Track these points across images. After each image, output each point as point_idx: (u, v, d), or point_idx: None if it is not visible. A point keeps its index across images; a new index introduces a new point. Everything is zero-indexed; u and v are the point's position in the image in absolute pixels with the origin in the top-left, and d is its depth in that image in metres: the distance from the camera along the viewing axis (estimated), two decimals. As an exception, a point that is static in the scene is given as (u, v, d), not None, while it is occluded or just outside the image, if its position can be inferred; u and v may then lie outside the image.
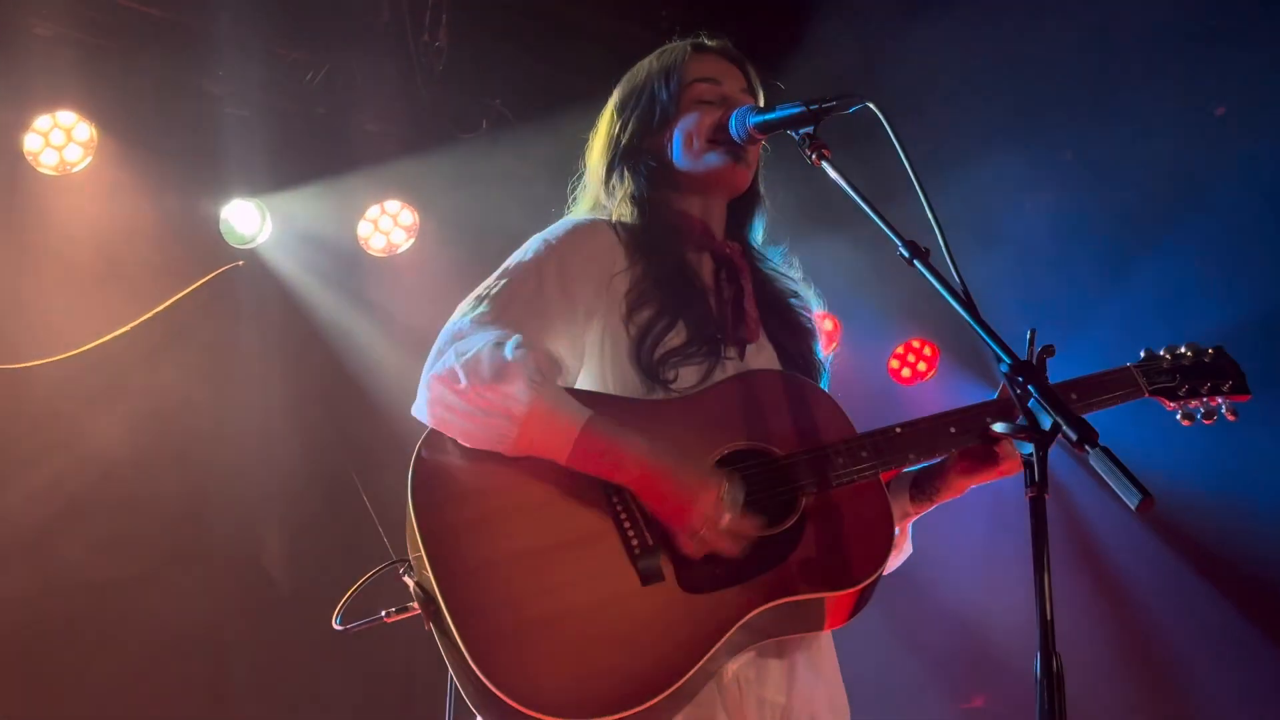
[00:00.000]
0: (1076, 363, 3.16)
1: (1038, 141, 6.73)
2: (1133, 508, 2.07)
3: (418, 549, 2.54)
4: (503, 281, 2.81)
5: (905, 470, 3.03)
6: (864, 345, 7.20)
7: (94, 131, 5.46)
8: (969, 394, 7.08)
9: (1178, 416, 3.11)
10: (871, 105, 2.63)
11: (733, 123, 2.93)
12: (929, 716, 7.18)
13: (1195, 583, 6.74)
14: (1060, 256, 6.94)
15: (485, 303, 2.75)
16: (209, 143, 5.72)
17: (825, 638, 2.88)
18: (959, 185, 6.10)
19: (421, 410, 2.65)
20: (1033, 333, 2.41)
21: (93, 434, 5.61)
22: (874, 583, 2.66)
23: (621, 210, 3.02)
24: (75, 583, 5.50)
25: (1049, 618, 2.09)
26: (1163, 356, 3.10)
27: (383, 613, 2.60)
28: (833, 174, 2.67)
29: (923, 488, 3.04)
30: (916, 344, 7.46)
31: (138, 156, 5.59)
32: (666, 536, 2.59)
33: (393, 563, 2.66)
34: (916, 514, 3.08)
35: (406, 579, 2.61)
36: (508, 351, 2.56)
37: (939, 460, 2.95)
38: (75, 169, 5.46)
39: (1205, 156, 6.52)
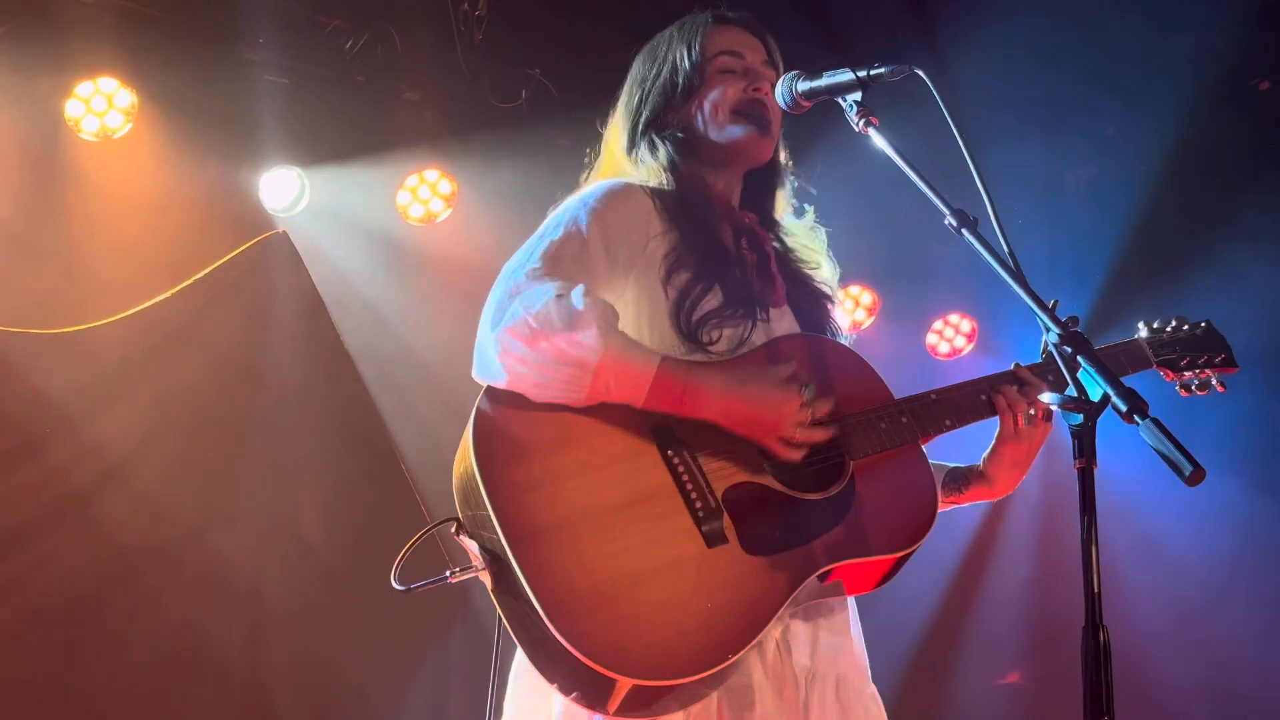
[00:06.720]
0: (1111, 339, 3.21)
1: (1080, 114, 6.67)
2: (1184, 479, 2.06)
3: (482, 506, 2.50)
4: (548, 239, 2.79)
5: (939, 463, 3.07)
6: (902, 319, 7.18)
7: (135, 98, 5.47)
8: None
9: (1176, 387, 3.23)
10: (920, 73, 2.62)
11: (779, 90, 2.93)
12: (962, 691, 7.17)
13: (1243, 557, 6.66)
14: (1099, 230, 6.87)
15: (535, 259, 2.73)
16: (249, 110, 5.72)
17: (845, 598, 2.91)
18: (997, 158, 6.05)
19: (488, 369, 2.61)
20: (1054, 304, 2.41)
21: (134, 398, 5.65)
22: (916, 549, 2.70)
23: (651, 178, 3.03)
24: (117, 546, 5.55)
25: (1096, 590, 2.08)
26: (1161, 330, 3.22)
27: (447, 573, 2.54)
28: (880, 142, 2.65)
29: (956, 479, 3.08)
30: (955, 318, 7.40)
31: (178, 124, 5.60)
32: (729, 498, 2.62)
33: (444, 521, 2.61)
34: (942, 507, 3.09)
35: (462, 539, 2.57)
36: (575, 300, 2.56)
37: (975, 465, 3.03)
38: (116, 135, 5.47)
39: (1249, 131, 6.46)
